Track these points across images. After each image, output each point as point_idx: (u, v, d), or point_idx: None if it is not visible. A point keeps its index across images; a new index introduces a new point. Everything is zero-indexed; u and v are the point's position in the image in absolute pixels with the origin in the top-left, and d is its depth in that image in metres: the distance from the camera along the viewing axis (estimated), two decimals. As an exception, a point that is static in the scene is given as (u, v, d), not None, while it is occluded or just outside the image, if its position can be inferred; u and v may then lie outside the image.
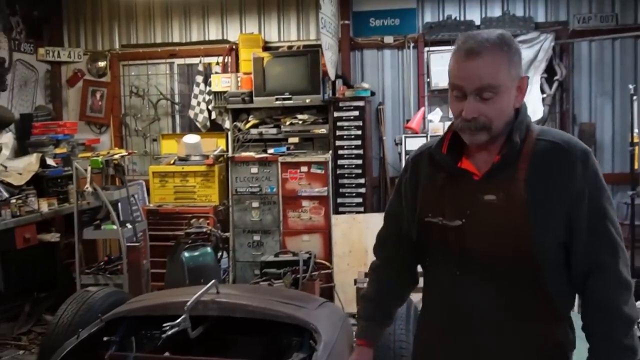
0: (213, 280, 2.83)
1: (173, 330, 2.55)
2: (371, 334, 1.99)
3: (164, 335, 2.57)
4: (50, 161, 5.81)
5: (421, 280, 1.96)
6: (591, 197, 1.62)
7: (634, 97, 5.70)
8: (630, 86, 5.77)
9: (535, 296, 1.64)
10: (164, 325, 2.54)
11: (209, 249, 5.25)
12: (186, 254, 5.11)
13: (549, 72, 6.12)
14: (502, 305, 1.66)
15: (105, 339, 2.75)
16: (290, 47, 6.59)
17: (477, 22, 6.35)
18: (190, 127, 6.92)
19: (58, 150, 6.02)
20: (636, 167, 5.77)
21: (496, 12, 6.38)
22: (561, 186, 1.61)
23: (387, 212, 2.00)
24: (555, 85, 6.13)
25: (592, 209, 1.62)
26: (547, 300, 1.64)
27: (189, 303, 2.60)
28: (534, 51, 6.03)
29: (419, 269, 1.95)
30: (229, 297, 2.82)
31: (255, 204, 6.05)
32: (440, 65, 6.35)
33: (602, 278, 1.62)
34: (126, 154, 5.66)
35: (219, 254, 5.61)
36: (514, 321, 1.66)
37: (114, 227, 5.07)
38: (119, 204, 5.69)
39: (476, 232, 1.66)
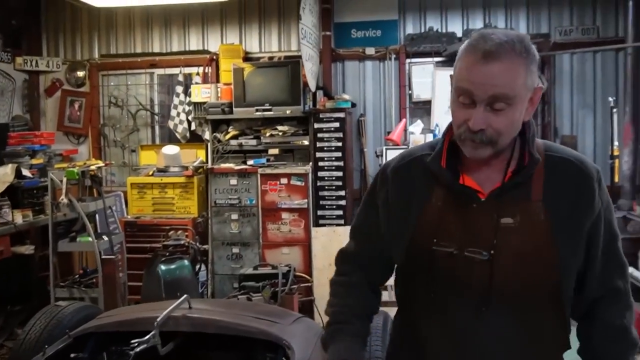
0: (185, 295, 2.76)
1: (142, 347, 2.47)
2: (356, 352, 1.67)
3: (132, 352, 2.49)
4: (26, 172, 5.69)
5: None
6: (606, 219, 1.54)
7: (614, 110, 5.73)
8: (610, 99, 5.81)
9: (555, 323, 1.54)
10: (132, 341, 2.47)
11: (186, 262, 5.17)
12: (162, 267, 5.02)
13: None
14: (523, 336, 1.51)
15: (72, 355, 2.67)
16: (271, 58, 6.56)
17: (459, 34, 6.36)
18: (170, 137, 6.85)
19: (34, 161, 5.91)
20: (616, 180, 5.79)
21: (478, 24, 6.40)
22: (582, 208, 1.50)
23: (357, 227, 1.78)
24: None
25: (607, 230, 1.54)
26: (562, 326, 1.56)
27: (159, 319, 2.53)
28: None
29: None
30: (201, 312, 2.75)
31: (234, 216, 5.98)
32: (421, 77, 6.36)
33: (616, 303, 1.58)
34: (103, 165, 5.57)
35: (197, 266, 5.53)
36: (533, 349, 1.53)
37: (90, 239, 4.97)
38: (96, 216, 5.59)
39: (502, 263, 1.47)
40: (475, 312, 1.50)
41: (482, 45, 1.40)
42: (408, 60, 6.45)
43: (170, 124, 6.63)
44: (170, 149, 6.38)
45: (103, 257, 5.03)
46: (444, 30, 6.44)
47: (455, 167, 1.55)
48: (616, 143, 5.71)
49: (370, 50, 6.53)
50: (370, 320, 1.78)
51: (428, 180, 1.57)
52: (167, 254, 5.22)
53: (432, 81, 6.21)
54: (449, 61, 6.33)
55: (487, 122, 1.42)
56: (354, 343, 1.67)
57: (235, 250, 6.01)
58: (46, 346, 2.66)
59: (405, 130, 6.19)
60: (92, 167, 5.21)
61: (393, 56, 6.49)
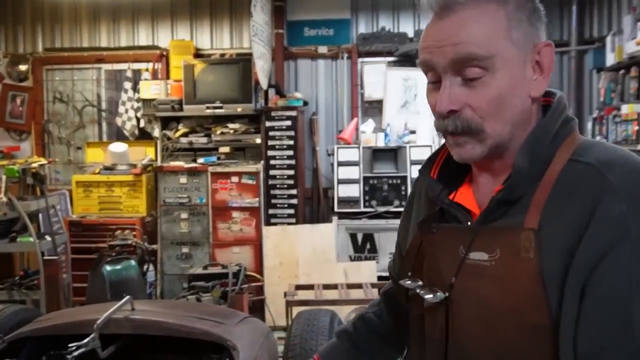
0: (127, 297, 2.67)
1: (80, 351, 2.38)
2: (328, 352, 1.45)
3: (70, 357, 2.40)
4: (-37, 169, 5.47)
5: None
6: (634, 257, 0.90)
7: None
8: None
9: None
10: (70, 345, 2.37)
11: (133, 262, 5.05)
12: (108, 268, 4.89)
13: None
14: None
15: (7, 360, 2.55)
16: (222, 55, 6.47)
17: (411, 34, 6.40)
18: (118, 135, 6.69)
19: (-27, 158, 5.69)
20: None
21: (428, 25, 6.44)
22: (586, 236, 0.93)
23: (389, 263, 1.44)
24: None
25: (632, 275, 0.90)
26: None
27: (99, 321, 2.44)
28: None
29: None
30: (144, 313, 2.67)
31: (184, 215, 5.88)
32: (373, 77, 6.38)
33: None
34: (46, 162, 5.39)
35: (145, 267, 5.42)
36: None
37: (31, 239, 4.80)
38: (39, 215, 5.41)
39: (464, 318, 1.05)
40: None
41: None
42: (360, 60, 6.47)
43: (118, 120, 6.47)
44: (118, 147, 6.22)
45: (45, 257, 4.86)
46: (395, 31, 6.48)
47: (452, 177, 1.14)
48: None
49: (322, 49, 6.51)
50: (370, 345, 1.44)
51: (427, 196, 1.20)
52: (114, 254, 5.11)
53: (384, 81, 6.23)
54: (400, 61, 6.37)
55: (459, 99, 1.00)
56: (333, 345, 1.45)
57: (185, 249, 5.92)
58: (-22, 351, 2.54)
59: (357, 129, 6.20)
60: (34, 165, 5.03)
61: (345, 55, 6.49)
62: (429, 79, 1.06)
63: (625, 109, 4.58)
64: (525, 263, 0.96)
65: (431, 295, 1.07)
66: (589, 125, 5.45)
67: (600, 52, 5.46)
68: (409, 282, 1.13)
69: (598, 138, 5.16)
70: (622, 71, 4.86)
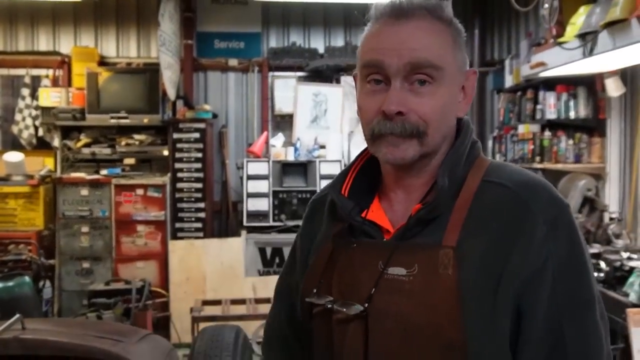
0: (17, 315, 2.51)
1: (-38, 375, 2.21)
2: None
3: (-50, 381, 2.22)
4: None
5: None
6: (558, 279, 1.00)
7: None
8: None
9: None
10: (-49, 369, 2.20)
11: (27, 278, 4.76)
12: (-1, 285, 4.59)
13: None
14: None
15: None
16: (129, 64, 6.28)
17: (321, 51, 6.48)
18: (14, 144, 6.31)
19: None
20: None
21: (339, 41, 6.56)
22: (508, 259, 0.99)
23: (276, 286, 1.36)
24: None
25: (556, 299, 0.99)
26: None
27: (-16, 342, 2.28)
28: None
29: None
30: (36, 332, 2.52)
31: (84, 229, 5.63)
32: (284, 91, 6.39)
33: None
34: None
35: (41, 283, 5.13)
36: None
37: None
38: None
39: (381, 332, 1.04)
40: None
41: (390, 5, 1.07)
42: (271, 74, 6.47)
43: (15, 128, 6.12)
44: (13, 156, 5.88)
45: None
46: (306, 46, 6.54)
47: (363, 195, 1.15)
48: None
49: (233, 62, 6.47)
50: None
51: (333, 215, 1.19)
52: (6, 270, 4.82)
53: (294, 95, 6.26)
54: (310, 77, 6.42)
55: (406, 103, 1.03)
56: None
57: (86, 264, 5.66)
58: None
59: (267, 143, 6.18)
60: None
61: (256, 69, 6.47)
62: (371, 78, 1.07)
63: (522, 128, 4.82)
64: (444, 279, 1.00)
65: (345, 309, 1.06)
66: (490, 143, 5.70)
67: (499, 74, 5.74)
68: (317, 297, 1.12)
69: (497, 156, 5.41)
70: (519, 93, 5.12)
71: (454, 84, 1.08)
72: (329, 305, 1.09)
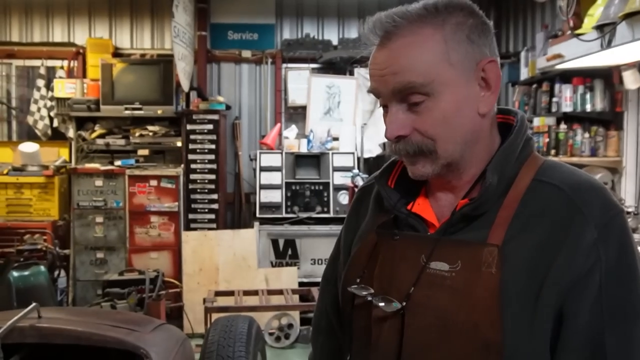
0: (34, 304, 2.54)
1: (-21, 362, 2.24)
2: None
3: (-32, 368, 2.24)
4: None
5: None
6: (605, 288, 0.95)
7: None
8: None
9: None
10: (-32, 356, 2.22)
11: (42, 268, 4.81)
12: (15, 274, 4.62)
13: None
14: None
15: None
16: (143, 55, 6.30)
17: (335, 42, 6.46)
18: (29, 134, 6.37)
19: None
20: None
21: (353, 33, 6.53)
22: (553, 262, 0.96)
23: (323, 275, 1.35)
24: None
25: (600, 308, 0.95)
26: None
27: (0, 330, 2.30)
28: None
29: None
30: (52, 321, 2.54)
31: (99, 219, 5.67)
32: (297, 83, 6.38)
33: None
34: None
35: (56, 273, 5.18)
36: None
37: None
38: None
39: (417, 326, 1.02)
40: None
41: (374, 24, 1.03)
42: (284, 65, 6.46)
43: (30, 119, 6.18)
44: (29, 147, 5.93)
45: (-56, 263, 4.56)
46: (320, 38, 6.52)
47: (410, 187, 1.13)
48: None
49: (246, 53, 6.47)
50: None
51: (379, 205, 1.17)
52: (22, 259, 4.85)
53: (307, 87, 6.25)
54: (324, 68, 6.41)
55: (407, 124, 1.03)
56: None
57: (100, 255, 5.70)
58: None
59: (280, 134, 6.18)
60: None
61: (269, 60, 6.47)
62: (381, 103, 1.07)
63: (537, 121, 4.78)
64: (486, 277, 0.97)
65: (385, 304, 1.04)
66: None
67: (515, 67, 5.69)
68: (359, 288, 1.09)
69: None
70: (534, 85, 5.07)
71: (458, 85, 1.02)
72: (369, 298, 1.07)
